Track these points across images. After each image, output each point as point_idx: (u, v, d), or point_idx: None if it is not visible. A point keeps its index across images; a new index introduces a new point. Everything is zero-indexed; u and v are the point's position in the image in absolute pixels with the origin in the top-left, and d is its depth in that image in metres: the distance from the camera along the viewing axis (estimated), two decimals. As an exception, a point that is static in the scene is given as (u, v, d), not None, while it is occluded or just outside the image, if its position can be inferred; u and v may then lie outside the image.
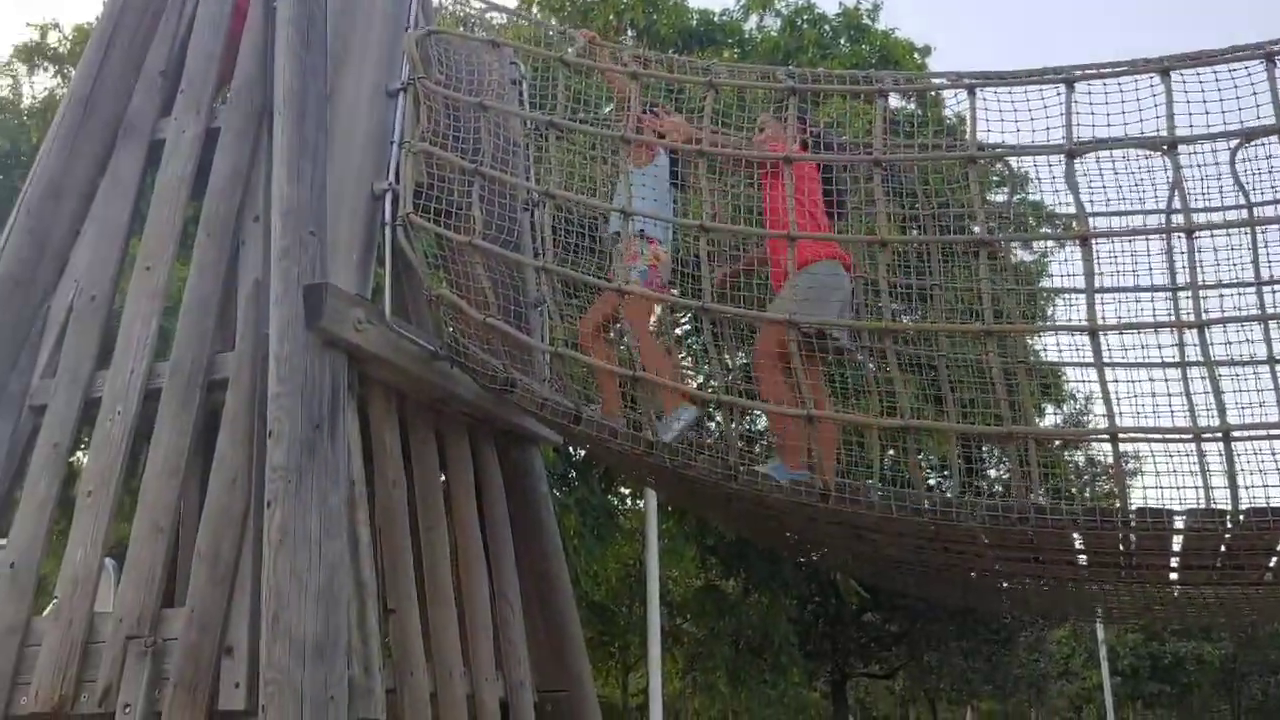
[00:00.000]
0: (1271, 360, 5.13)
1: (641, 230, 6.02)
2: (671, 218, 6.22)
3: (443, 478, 6.26)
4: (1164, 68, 4.86)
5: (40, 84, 17.98)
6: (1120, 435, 4.86)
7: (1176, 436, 5.04)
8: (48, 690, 4.82)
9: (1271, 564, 5.50)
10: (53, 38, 17.61)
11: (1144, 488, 5.54)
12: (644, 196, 5.98)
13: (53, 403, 5.49)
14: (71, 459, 5.71)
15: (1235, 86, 4.79)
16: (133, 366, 5.37)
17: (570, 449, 13.75)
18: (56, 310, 5.75)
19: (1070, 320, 6.10)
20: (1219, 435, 4.71)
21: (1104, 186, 5.18)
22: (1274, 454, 4.96)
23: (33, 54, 17.63)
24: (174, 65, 6.11)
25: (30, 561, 5.20)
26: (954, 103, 5.45)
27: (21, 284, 5.74)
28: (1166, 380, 5.38)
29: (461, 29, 7.31)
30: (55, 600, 5.12)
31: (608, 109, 6.87)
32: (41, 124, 14.32)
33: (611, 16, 16.94)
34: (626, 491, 18.01)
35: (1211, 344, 4.82)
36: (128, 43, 6.19)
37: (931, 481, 12.86)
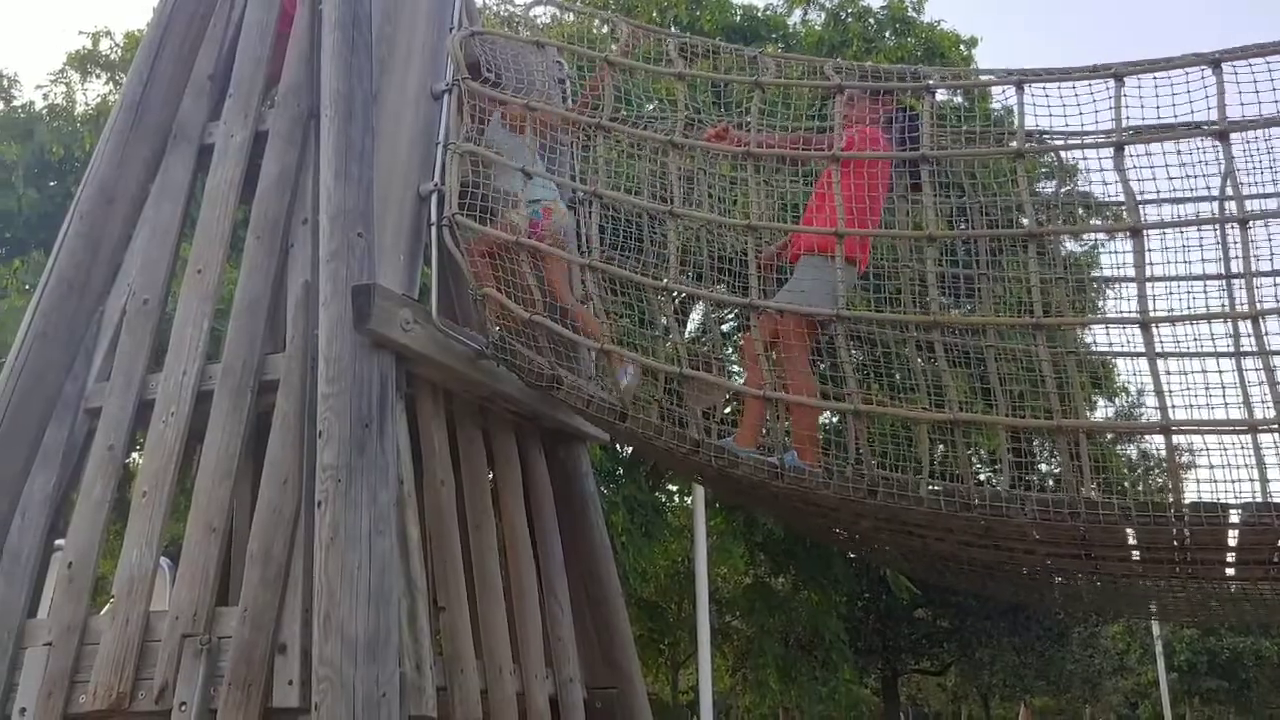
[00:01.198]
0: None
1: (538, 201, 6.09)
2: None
3: (490, 476, 6.29)
4: (1215, 60, 4.79)
5: (93, 91, 18.27)
6: (1173, 428, 4.78)
7: (1231, 429, 4.96)
8: (106, 688, 4.89)
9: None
10: (104, 45, 17.89)
11: (1198, 481, 5.47)
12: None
13: (107, 405, 5.57)
14: (127, 461, 5.79)
15: (1290, 75, 4.70)
16: (185, 368, 5.43)
17: (618, 446, 13.76)
18: (110, 313, 5.84)
19: (1121, 310, 6.02)
20: (1275, 427, 4.63)
21: (1154, 178, 5.10)
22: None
23: (85, 61, 17.91)
24: (222, 70, 6.18)
25: (88, 562, 5.28)
26: (1002, 97, 5.40)
27: (76, 287, 5.83)
28: (1220, 371, 5.30)
29: (506, 28, 7.32)
30: (112, 600, 5.19)
31: (650, 106, 6.86)
32: (95, 130, 14.54)
33: (655, 13, 16.94)
34: (674, 488, 18.01)
35: (1267, 334, 4.74)
36: (177, 48, 6.26)
37: (982, 477, 12.75)
